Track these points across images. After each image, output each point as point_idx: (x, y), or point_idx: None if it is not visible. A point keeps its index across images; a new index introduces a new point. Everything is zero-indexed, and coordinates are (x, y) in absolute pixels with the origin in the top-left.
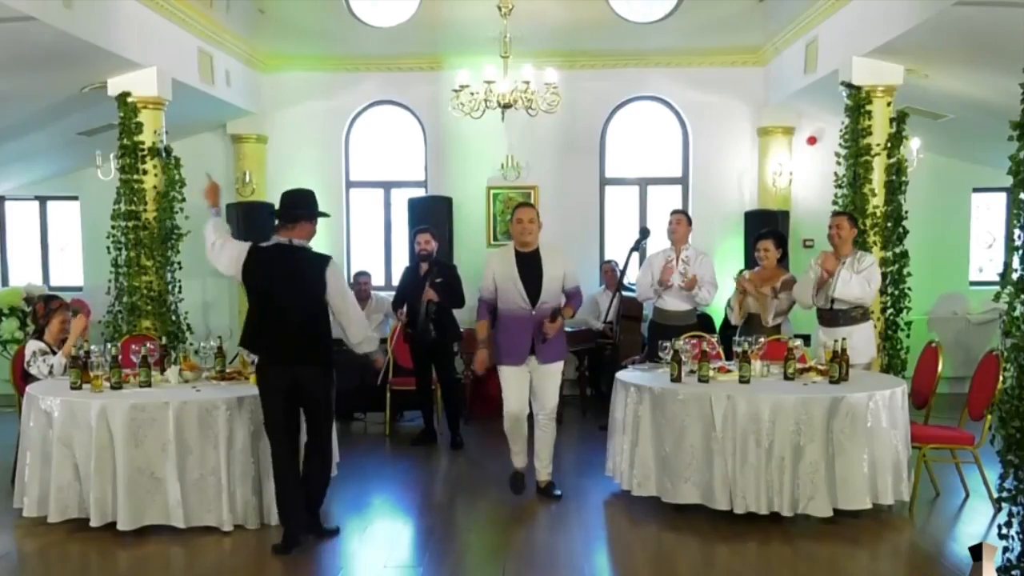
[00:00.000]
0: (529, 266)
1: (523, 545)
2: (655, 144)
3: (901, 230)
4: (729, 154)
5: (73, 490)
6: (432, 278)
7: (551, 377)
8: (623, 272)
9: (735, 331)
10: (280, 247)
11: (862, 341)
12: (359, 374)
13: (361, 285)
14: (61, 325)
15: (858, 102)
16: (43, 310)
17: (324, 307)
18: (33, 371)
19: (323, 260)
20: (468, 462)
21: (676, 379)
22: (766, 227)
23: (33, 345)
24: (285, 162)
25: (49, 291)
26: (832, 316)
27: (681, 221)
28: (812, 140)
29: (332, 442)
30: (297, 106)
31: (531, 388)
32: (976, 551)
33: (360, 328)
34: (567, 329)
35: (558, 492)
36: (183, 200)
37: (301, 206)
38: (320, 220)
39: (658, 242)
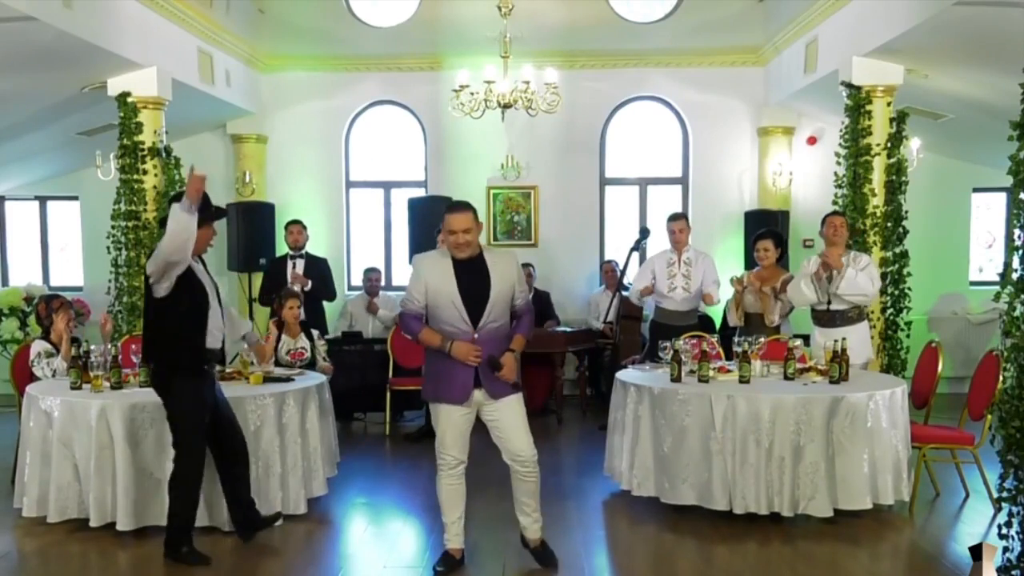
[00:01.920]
0: (471, 277)
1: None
2: (655, 144)
3: (901, 230)
4: (729, 154)
5: (73, 490)
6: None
7: (512, 414)
8: (623, 272)
9: (735, 331)
10: None
11: (858, 342)
12: (360, 374)
13: (372, 281)
14: (66, 324)
15: (858, 102)
16: (45, 310)
17: (156, 306)
18: (37, 372)
19: None
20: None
21: (676, 379)
22: (766, 227)
23: (38, 346)
24: (285, 162)
25: (49, 291)
26: (829, 317)
27: (684, 228)
28: (812, 140)
29: (183, 447)
30: (297, 106)
31: (492, 432)
32: (976, 551)
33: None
34: (566, 329)
35: (553, 557)
36: None
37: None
38: (321, 220)
39: (658, 242)
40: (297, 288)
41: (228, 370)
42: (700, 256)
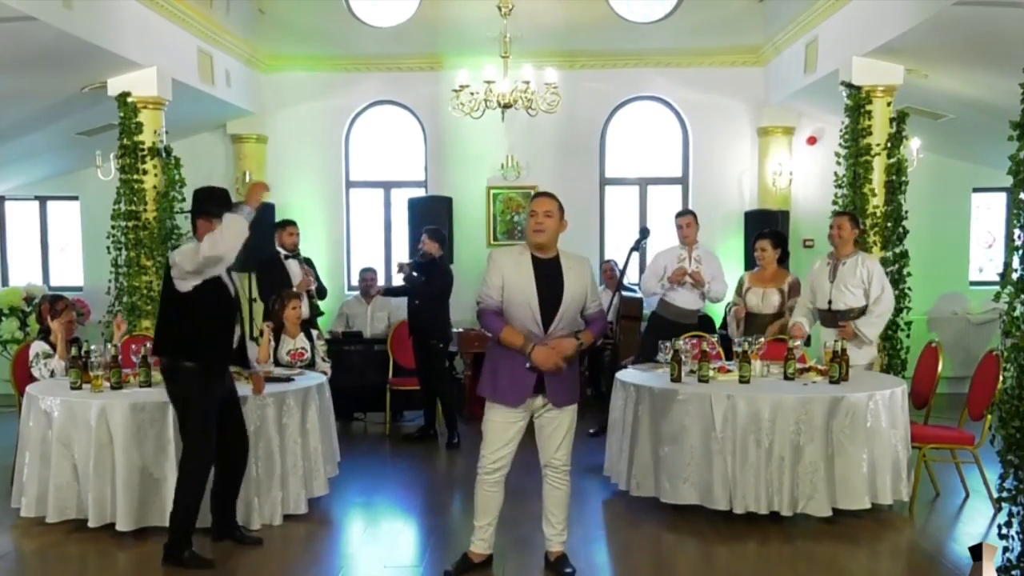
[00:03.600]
0: (547, 279)
1: (523, 545)
2: (655, 144)
3: (901, 230)
4: (729, 154)
5: (72, 490)
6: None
7: (567, 422)
8: (623, 272)
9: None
10: None
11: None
12: (360, 373)
13: (367, 281)
14: (68, 326)
15: (858, 102)
16: (49, 311)
17: (180, 301)
18: (35, 372)
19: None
20: (468, 462)
21: (676, 379)
22: (766, 227)
23: (37, 346)
24: (285, 162)
25: (49, 291)
26: (832, 317)
27: (691, 223)
28: (812, 140)
29: (190, 445)
30: (297, 106)
31: (537, 432)
32: (976, 551)
33: (204, 252)
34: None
35: (569, 570)
36: (183, 200)
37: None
38: (321, 220)
39: (658, 242)
40: (305, 289)
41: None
42: (709, 255)
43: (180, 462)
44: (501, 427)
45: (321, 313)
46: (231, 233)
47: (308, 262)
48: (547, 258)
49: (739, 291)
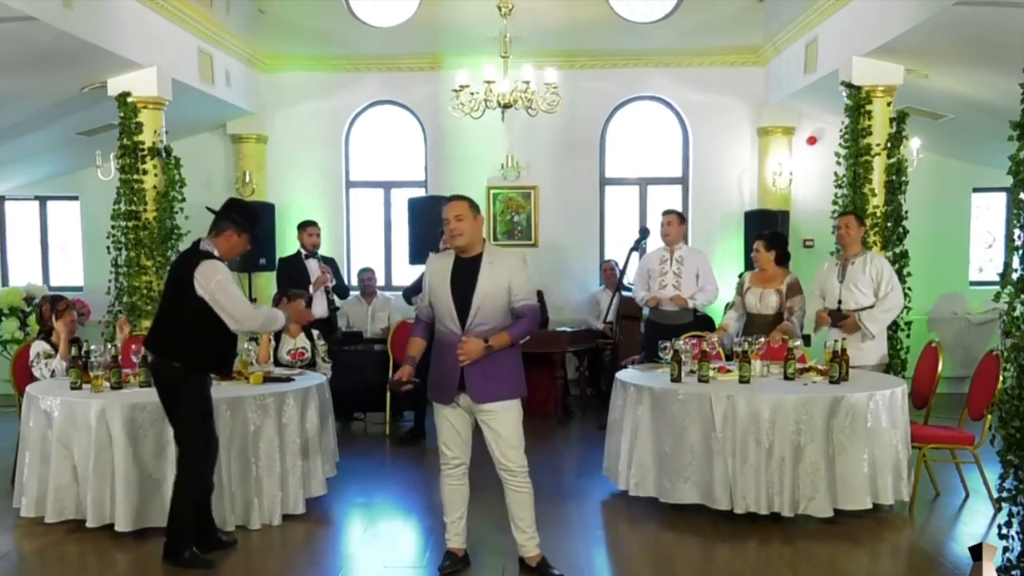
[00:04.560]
0: (464, 276)
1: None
2: (655, 144)
3: (901, 230)
4: (729, 154)
5: (71, 491)
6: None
7: (501, 421)
8: (623, 272)
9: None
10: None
11: (872, 342)
12: (360, 373)
13: (364, 281)
14: (70, 326)
15: (858, 102)
16: (50, 311)
17: (197, 307)
18: (35, 372)
19: (197, 260)
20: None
21: (676, 379)
22: (767, 227)
23: (38, 346)
24: (285, 162)
25: (49, 291)
26: (840, 316)
27: (672, 222)
28: (812, 140)
29: (190, 447)
30: (297, 106)
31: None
32: (976, 551)
33: (240, 321)
34: (566, 329)
35: (557, 573)
36: (183, 200)
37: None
38: (321, 220)
39: (658, 242)
40: (321, 286)
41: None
42: (693, 254)
43: (178, 460)
44: (443, 422)
45: (338, 308)
46: (267, 323)
47: (331, 262)
48: (469, 257)
49: (739, 290)
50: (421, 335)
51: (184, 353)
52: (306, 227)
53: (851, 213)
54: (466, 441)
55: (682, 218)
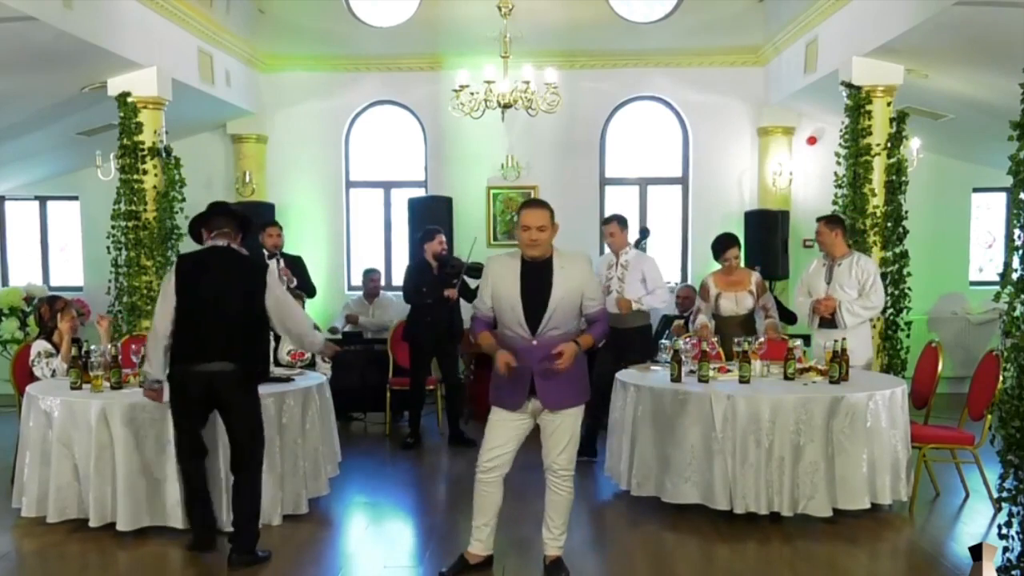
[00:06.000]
0: (535, 281)
1: (523, 545)
2: (655, 144)
3: (901, 230)
4: (729, 154)
5: (72, 490)
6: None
7: (564, 427)
8: None
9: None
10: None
11: (859, 343)
12: (360, 374)
13: (371, 282)
14: (70, 325)
15: (858, 102)
16: (48, 312)
17: (261, 315)
18: (36, 371)
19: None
20: (468, 462)
21: (676, 379)
22: (767, 227)
23: (39, 346)
24: (285, 162)
25: (49, 291)
26: (829, 319)
27: (614, 231)
28: (812, 140)
29: (257, 444)
30: (297, 106)
31: (542, 433)
32: (976, 551)
33: (301, 333)
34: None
35: (564, 574)
36: (183, 200)
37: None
38: (321, 220)
39: (658, 242)
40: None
41: None
42: (640, 259)
43: (248, 460)
44: (500, 427)
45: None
46: (312, 343)
47: (297, 261)
48: (538, 261)
49: (705, 297)
50: (487, 330)
51: (265, 357)
52: (270, 228)
53: (821, 219)
54: (513, 450)
55: (623, 223)
